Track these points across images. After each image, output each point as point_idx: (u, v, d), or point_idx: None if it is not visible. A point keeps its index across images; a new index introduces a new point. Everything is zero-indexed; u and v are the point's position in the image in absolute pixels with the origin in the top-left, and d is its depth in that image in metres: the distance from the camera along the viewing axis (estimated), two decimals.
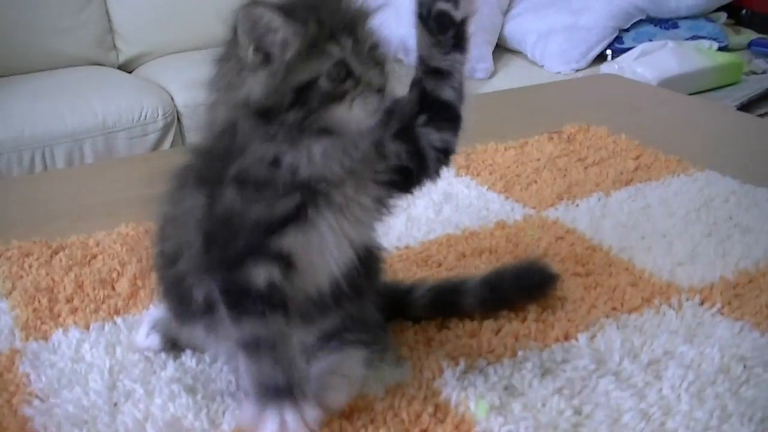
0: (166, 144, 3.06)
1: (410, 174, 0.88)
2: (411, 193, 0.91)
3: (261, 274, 0.83)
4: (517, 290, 1.08)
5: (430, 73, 0.86)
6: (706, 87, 2.78)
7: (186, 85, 3.20)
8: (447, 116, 0.88)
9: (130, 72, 3.58)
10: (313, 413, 0.84)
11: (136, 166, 1.90)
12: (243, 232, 0.83)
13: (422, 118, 0.87)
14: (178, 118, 3.13)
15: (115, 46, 3.62)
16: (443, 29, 0.85)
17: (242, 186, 0.82)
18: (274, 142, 0.81)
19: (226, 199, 0.83)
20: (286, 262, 0.84)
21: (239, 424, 0.88)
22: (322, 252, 0.86)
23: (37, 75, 3.34)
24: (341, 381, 0.91)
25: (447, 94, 0.87)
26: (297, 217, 0.83)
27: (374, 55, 0.82)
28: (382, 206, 0.89)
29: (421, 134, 0.87)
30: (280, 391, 0.83)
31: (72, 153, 2.90)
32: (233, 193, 0.83)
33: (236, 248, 0.83)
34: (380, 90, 0.80)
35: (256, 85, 0.80)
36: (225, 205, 0.83)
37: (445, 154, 0.89)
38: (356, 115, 0.80)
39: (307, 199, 0.83)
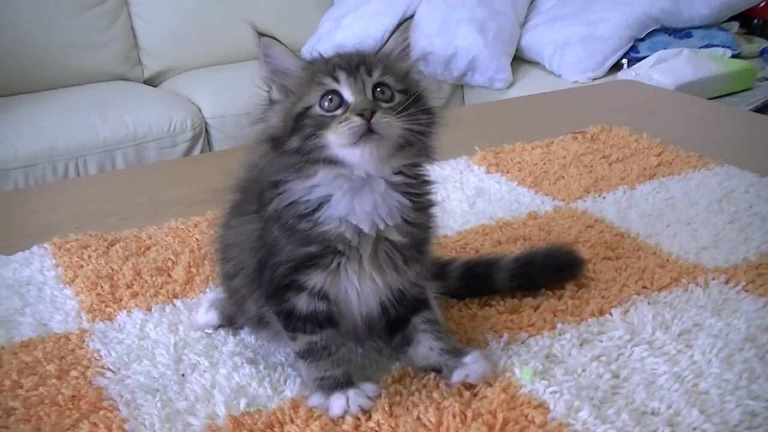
0: (195, 154, 3.12)
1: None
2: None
3: (303, 304, 0.93)
4: (548, 270, 1.14)
5: None
6: (720, 92, 2.85)
7: (213, 96, 3.28)
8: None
9: (155, 87, 3.65)
10: (371, 389, 0.93)
11: (172, 170, 1.99)
12: (281, 267, 0.92)
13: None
14: (206, 128, 3.20)
15: (140, 62, 3.70)
16: None
17: (280, 225, 0.92)
18: (284, 171, 0.90)
19: (270, 234, 0.93)
20: (323, 296, 0.93)
21: (301, 391, 0.96)
22: (351, 295, 0.94)
23: (65, 90, 3.42)
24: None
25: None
26: (319, 264, 0.91)
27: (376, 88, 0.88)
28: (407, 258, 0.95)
29: None
30: (339, 382, 0.93)
31: (104, 163, 2.97)
32: (275, 229, 0.92)
33: (279, 280, 0.93)
34: (361, 113, 0.85)
35: (273, 117, 0.91)
36: (270, 238, 0.93)
37: None
38: (340, 136, 0.86)
39: (327, 251, 0.91)
